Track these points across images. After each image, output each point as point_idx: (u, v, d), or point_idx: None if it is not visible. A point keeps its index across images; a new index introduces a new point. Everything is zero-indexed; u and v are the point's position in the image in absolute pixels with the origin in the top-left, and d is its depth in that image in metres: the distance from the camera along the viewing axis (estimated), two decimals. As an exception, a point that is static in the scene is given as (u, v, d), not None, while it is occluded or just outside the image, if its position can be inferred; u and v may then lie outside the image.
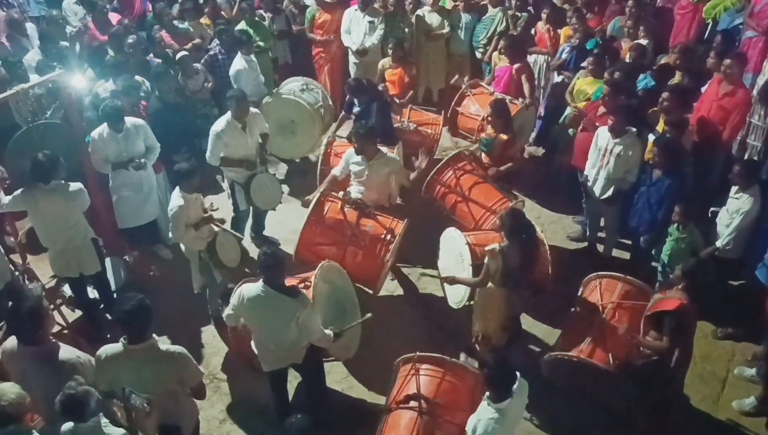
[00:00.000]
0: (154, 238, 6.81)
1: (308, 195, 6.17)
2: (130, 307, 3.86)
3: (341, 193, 6.15)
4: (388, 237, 5.87)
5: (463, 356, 5.25)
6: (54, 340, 4.15)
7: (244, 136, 6.34)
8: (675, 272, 4.78)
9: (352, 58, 8.81)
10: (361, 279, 5.96)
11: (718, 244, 5.58)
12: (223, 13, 9.05)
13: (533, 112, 7.64)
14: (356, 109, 7.04)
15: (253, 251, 6.45)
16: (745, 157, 6.59)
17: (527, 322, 5.76)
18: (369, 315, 5.03)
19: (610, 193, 6.19)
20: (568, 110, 7.12)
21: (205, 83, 7.62)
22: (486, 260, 4.97)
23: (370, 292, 6.05)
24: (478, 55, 8.68)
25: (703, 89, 6.66)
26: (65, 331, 5.68)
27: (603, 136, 6.11)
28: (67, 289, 6.07)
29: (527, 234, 4.97)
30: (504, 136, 6.47)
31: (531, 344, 5.81)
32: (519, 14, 8.39)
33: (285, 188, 7.46)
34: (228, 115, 6.32)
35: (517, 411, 4.06)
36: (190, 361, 4.07)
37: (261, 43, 8.40)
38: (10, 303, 5.07)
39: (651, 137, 6.15)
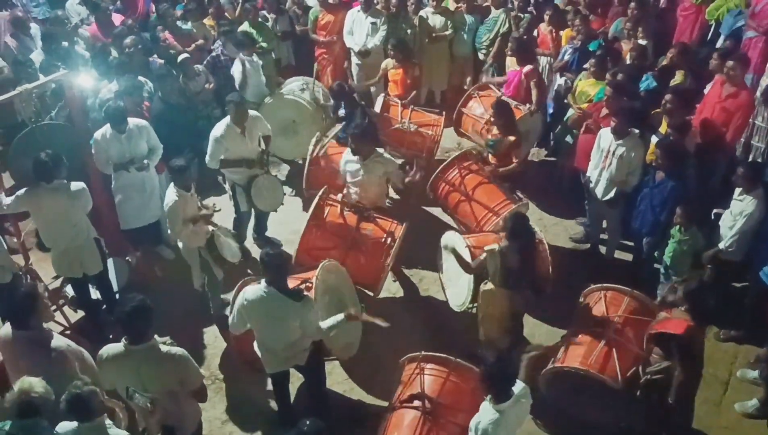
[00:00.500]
0: (157, 238, 6.82)
1: (312, 196, 6.17)
2: (130, 307, 3.87)
3: (340, 196, 6.16)
4: (389, 240, 5.88)
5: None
6: (48, 329, 4.19)
7: (244, 141, 6.34)
8: (678, 292, 4.65)
9: (354, 59, 8.82)
10: (362, 282, 5.97)
11: (721, 246, 5.57)
12: (226, 14, 9.06)
13: (539, 119, 7.59)
14: (341, 112, 7.07)
15: (256, 252, 6.45)
16: (749, 159, 6.59)
17: (529, 324, 5.75)
18: (386, 324, 4.85)
19: (612, 194, 6.19)
20: (570, 112, 7.11)
21: (206, 84, 7.63)
22: (482, 257, 5.01)
23: (371, 294, 6.06)
24: (481, 56, 8.68)
25: (705, 90, 6.66)
26: (67, 332, 5.68)
27: (605, 137, 6.11)
28: (69, 290, 6.08)
29: (526, 237, 4.99)
30: (512, 138, 6.46)
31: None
32: (522, 15, 8.39)
33: (287, 189, 7.46)
34: (227, 119, 6.32)
35: (518, 414, 4.05)
36: (190, 363, 4.07)
37: (264, 44, 8.41)
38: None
39: (653, 139, 6.15)
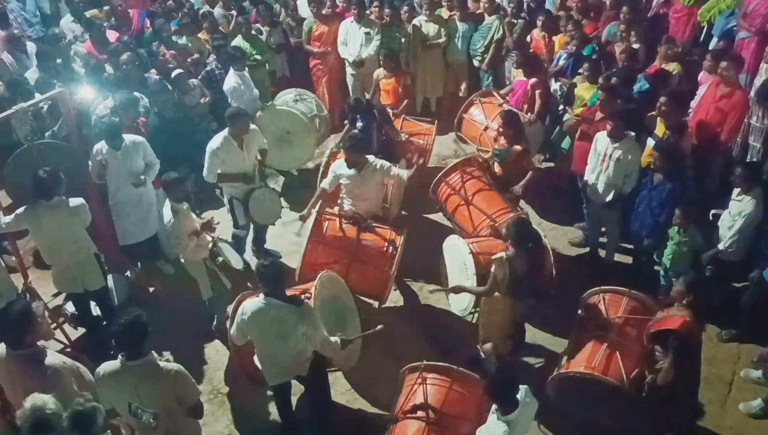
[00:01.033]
0: (156, 253, 6.81)
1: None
2: (125, 322, 3.86)
3: (336, 208, 6.15)
4: (390, 249, 5.88)
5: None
6: (42, 346, 4.15)
7: (241, 154, 6.32)
8: (675, 287, 4.69)
9: (349, 70, 8.85)
10: (368, 292, 5.97)
11: (721, 246, 5.57)
12: (220, 27, 9.09)
13: (538, 128, 7.59)
14: (359, 125, 7.07)
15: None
16: (747, 159, 6.60)
17: (530, 330, 5.73)
18: (380, 327, 4.96)
19: (610, 197, 6.20)
20: (566, 116, 7.13)
21: (202, 99, 7.64)
22: (492, 269, 4.97)
23: (372, 303, 6.04)
24: (476, 63, 8.71)
25: (699, 92, 6.68)
26: (68, 350, 5.66)
27: (602, 141, 6.12)
28: (69, 308, 6.06)
29: (534, 242, 4.98)
30: (518, 148, 6.47)
31: (535, 355, 5.76)
32: (515, 21, 8.42)
33: (284, 201, 7.46)
34: (225, 132, 6.29)
35: (526, 419, 4.03)
36: (187, 380, 4.04)
37: (258, 57, 8.44)
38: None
39: (649, 141, 6.16)
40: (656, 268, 6.06)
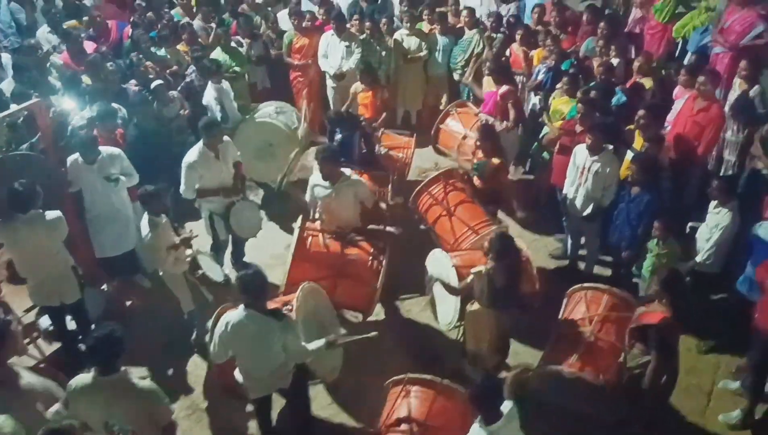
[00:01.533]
0: (134, 267, 6.69)
1: (289, 219, 6.11)
2: (98, 335, 3.79)
3: (318, 224, 6.09)
4: (375, 263, 5.85)
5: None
6: (13, 365, 4.05)
7: (219, 164, 6.21)
8: (652, 287, 4.80)
9: (329, 82, 8.85)
10: (354, 307, 5.94)
11: (699, 259, 5.64)
12: (199, 39, 9.04)
13: (515, 136, 7.66)
14: (338, 137, 7.04)
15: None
16: (721, 172, 6.70)
17: (512, 341, 5.72)
18: (374, 332, 4.89)
19: (589, 210, 6.25)
20: (545, 130, 7.19)
21: (181, 111, 7.57)
22: (468, 280, 4.99)
23: (355, 317, 6.00)
24: (456, 77, 8.76)
25: (674, 106, 6.78)
26: (42, 365, 5.52)
27: (581, 154, 6.17)
28: (43, 322, 5.92)
29: (512, 257, 5.00)
30: (495, 161, 6.49)
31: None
32: (494, 35, 8.50)
33: (263, 214, 7.39)
34: (200, 144, 6.18)
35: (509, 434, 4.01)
36: (160, 398, 3.96)
37: (237, 69, 8.40)
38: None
39: (629, 154, 6.23)
40: (635, 280, 6.10)
